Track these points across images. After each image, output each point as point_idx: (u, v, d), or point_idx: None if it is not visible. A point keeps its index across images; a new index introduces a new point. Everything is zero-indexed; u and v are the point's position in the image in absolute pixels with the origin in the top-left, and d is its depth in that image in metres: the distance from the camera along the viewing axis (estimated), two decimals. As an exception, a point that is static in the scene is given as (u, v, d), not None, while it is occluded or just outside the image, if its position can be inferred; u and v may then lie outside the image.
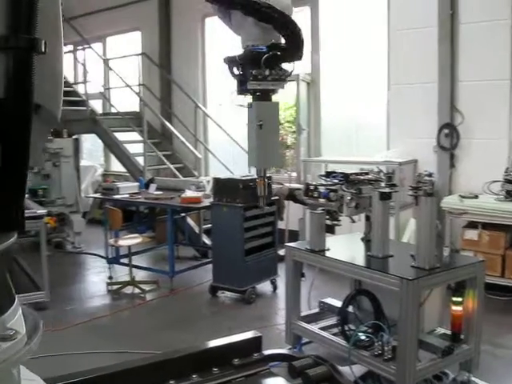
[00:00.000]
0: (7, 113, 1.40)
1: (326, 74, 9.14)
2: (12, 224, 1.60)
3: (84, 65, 11.65)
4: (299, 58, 2.82)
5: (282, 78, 2.82)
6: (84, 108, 10.73)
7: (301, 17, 8.97)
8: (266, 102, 2.89)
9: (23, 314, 1.69)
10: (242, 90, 2.86)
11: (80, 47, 12.03)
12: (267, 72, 2.79)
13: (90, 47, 11.60)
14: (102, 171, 12.31)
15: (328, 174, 5.01)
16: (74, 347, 5.39)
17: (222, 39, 10.29)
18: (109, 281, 7.59)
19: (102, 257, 8.57)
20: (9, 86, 1.34)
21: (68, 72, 12.77)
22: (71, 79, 12.51)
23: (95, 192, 10.53)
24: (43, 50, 1.37)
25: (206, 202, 7.23)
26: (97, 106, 12.00)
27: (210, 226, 7.82)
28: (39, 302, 6.48)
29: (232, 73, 2.87)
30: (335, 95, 9.18)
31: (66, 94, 11.52)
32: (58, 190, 9.39)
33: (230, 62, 2.85)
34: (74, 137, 9.99)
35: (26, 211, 6.63)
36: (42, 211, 6.54)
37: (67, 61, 12.93)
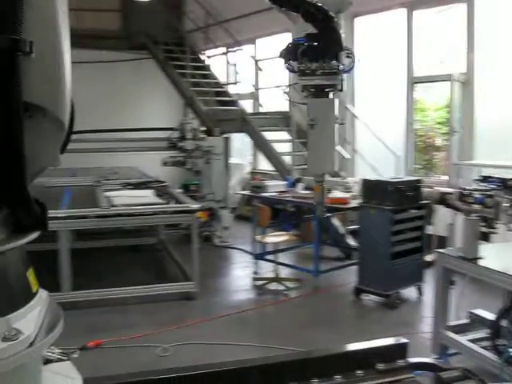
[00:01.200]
0: (4, 119, 1.33)
1: (482, 73, 8.68)
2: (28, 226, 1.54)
3: (235, 66, 12.04)
4: (337, 51, 2.66)
5: (333, 71, 2.64)
6: (235, 108, 11.07)
7: (455, 14, 8.63)
8: (320, 98, 2.70)
9: (49, 311, 1.61)
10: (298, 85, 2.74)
11: (232, 49, 12.44)
12: (313, 66, 2.63)
13: (241, 49, 11.95)
14: (250, 169, 12.66)
15: (484, 179, 4.77)
16: (219, 338, 5.59)
17: (374, 39, 10.18)
18: (254, 276, 7.78)
19: (248, 252, 8.81)
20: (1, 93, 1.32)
21: (220, 73, 13.27)
22: (223, 80, 12.99)
23: (243, 189, 10.84)
24: (29, 50, 1.34)
25: (354, 203, 7.17)
26: (247, 105, 12.33)
27: (355, 227, 7.74)
28: (188, 292, 6.81)
29: (288, 67, 2.76)
30: (492, 95, 8.69)
31: (218, 94, 11.99)
32: (209, 186, 9.80)
33: (284, 55, 2.75)
34: (224, 135, 10.35)
35: (180, 205, 7.02)
36: (195, 206, 6.85)
37: (220, 62, 13.45)
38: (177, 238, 9.64)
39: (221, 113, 11.06)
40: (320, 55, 2.66)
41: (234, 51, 12.38)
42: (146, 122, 12.66)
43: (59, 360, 1.94)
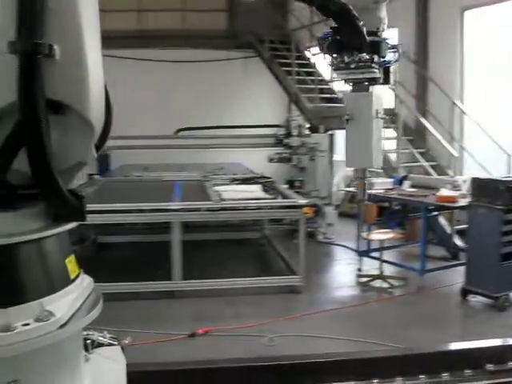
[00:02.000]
0: (22, 115, 1.53)
1: None
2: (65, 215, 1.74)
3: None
4: (360, 43, 2.55)
5: (367, 65, 2.54)
6: (340, 105, 11.08)
7: None
8: (358, 92, 2.61)
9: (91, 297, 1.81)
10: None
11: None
12: (346, 59, 2.54)
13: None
14: (354, 166, 12.60)
15: None
16: (323, 331, 5.68)
17: (483, 33, 9.87)
18: (358, 273, 7.81)
19: (351, 249, 8.83)
20: (19, 88, 1.49)
21: (325, 70, 13.31)
22: (328, 77, 13.02)
23: (347, 186, 10.86)
24: (51, 53, 1.52)
25: (462, 202, 7.03)
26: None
27: (462, 226, 7.58)
28: (294, 286, 6.95)
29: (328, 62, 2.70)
30: None
31: (323, 91, 12.03)
32: (313, 183, 9.90)
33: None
34: (329, 132, 10.40)
35: (288, 200, 7.18)
36: (302, 201, 6.98)
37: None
38: (280, 233, 9.83)
39: (326, 110, 11.12)
40: (344, 48, 2.62)
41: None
42: (251, 119, 12.95)
43: (110, 344, 2.19)
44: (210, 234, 9.27)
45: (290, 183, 10.77)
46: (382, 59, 2.58)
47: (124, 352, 2.25)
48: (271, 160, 10.34)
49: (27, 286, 1.61)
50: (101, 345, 2.16)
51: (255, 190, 7.66)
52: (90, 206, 6.65)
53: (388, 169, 9.73)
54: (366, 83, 2.61)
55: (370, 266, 7.85)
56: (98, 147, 1.85)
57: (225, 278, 6.91)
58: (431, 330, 5.75)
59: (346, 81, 2.64)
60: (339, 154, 12.44)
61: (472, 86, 10.39)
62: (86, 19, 1.61)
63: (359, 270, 7.90)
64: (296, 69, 12.36)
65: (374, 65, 2.58)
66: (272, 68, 13.34)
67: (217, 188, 7.77)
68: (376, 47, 2.58)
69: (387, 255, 8.02)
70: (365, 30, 2.57)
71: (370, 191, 7.95)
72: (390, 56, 2.63)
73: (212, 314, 6.26)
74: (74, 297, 1.72)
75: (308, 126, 10.78)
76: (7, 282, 1.58)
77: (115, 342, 2.23)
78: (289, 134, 10.12)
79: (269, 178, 8.93)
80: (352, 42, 2.60)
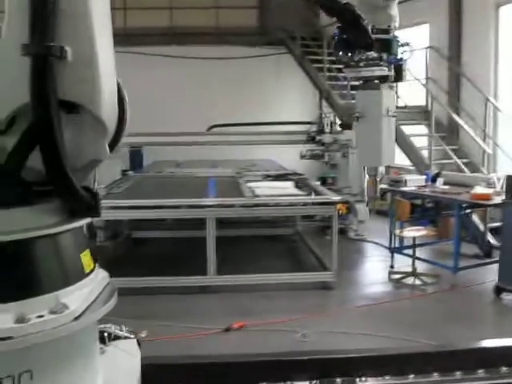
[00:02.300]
0: (35, 115, 1.60)
1: None
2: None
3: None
4: (366, 41, 2.53)
5: (375, 63, 2.52)
6: (371, 101, 11.06)
7: None
8: (367, 90, 2.59)
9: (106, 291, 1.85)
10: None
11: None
12: (355, 57, 2.53)
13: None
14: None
15: None
16: (356, 327, 5.72)
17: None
18: (390, 269, 7.82)
19: (383, 246, 8.84)
20: (32, 89, 1.56)
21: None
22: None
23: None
24: (62, 55, 1.59)
25: (497, 200, 6.99)
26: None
27: (496, 224, 7.54)
28: (326, 282, 7.01)
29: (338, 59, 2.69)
30: None
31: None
32: (345, 180, 9.92)
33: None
34: (361, 129, 10.39)
35: (322, 197, 7.22)
36: (336, 198, 7.02)
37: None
38: (311, 230, 9.89)
39: (357, 106, 11.12)
40: (351, 47, 2.62)
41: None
42: (283, 115, 13.01)
43: (126, 338, 2.26)
44: (243, 230, 9.36)
45: (322, 180, 10.81)
46: (393, 57, 2.57)
47: (140, 345, 2.32)
48: (303, 157, 10.39)
49: (42, 279, 1.66)
50: (118, 338, 2.24)
51: (288, 187, 7.72)
52: (124, 202, 6.82)
53: (420, 166, 9.70)
54: (377, 81, 2.61)
55: (402, 263, 7.85)
56: (113, 145, 1.91)
57: (258, 274, 6.99)
58: (464, 327, 5.75)
59: (357, 79, 2.66)
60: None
61: (506, 81, 10.28)
62: (97, 20, 1.67)
63: (391, 266, 7.92)
64: (327, 65, 12.38)
65: (382, 63, 2.57)
66: (303, 65, 13.37)
67: (250, 184, 7.85)
68: (385, 45, 2.58)
69: (419, 252, 8.01)
70: (370, 28, 2.57)
71: (403, 188, 8.07)
72: (403, 54, 2.62)
73: (245, 308, 6.34)
74: (89, 290, 1.77)
75: (340, 122, 10.79)
76: (22, 275, 1.63)
77: (132, 336, 2.29)
78: (321, 131, 10.16)
79: (301, 174, 8.99)
80: (357, 41, 2.62)
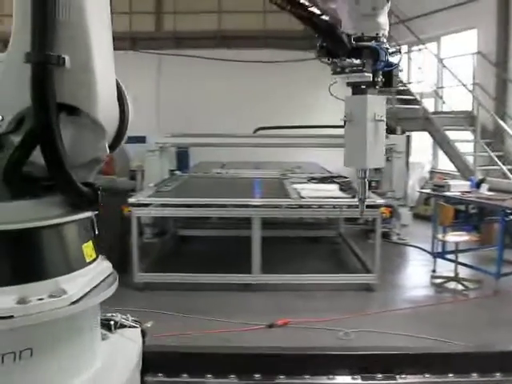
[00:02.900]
0: (36, 117, 1.78)
1: None
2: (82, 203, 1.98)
3: (418, 64, 12.04)
4: (344, 50, 2.60)
5: (358, 69, 2.58)
6: (417, 106, 11.11)
7: None
8: (354, 96, 2.67)
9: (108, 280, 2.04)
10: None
11: (415, 48, 12.43)
12: (339, 64, 2.61)
13: (425, 47, 11.91)
14: (430, 168, 12.59)
15: None
16: (397, 329, 5.79)
17: None
18: (432, 274, 7.87)
19: (426, 251, 8.88)
20: (32, 93, 1.73)
21: (403, 72, 13.29)
22: (405, 78, 13.02)
23: (422, 188, 10.87)
24: (59, 63, 1.75)
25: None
26: (430, 104, 12.27)
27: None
28: (368, 284, 7.11)
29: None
30: None
31: (400, 92, 12.05)
32: (389, 184, 9.98)
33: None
34: (406, 134, 10.45)
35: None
36: (379, 201, 7.12)
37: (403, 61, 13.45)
38: (354, 233, 9.98)
39: (402, 111, 11.17)
40: (332, 54, 2.70)
41: (418, 50, 12.38)
42: (328, 118, 13.09)
43: (131, 327, 2.44)
44: (286, 231, 9.53)
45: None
46: (380, 63, 2.66)
47: (146, 334, 2.50)
48: (347, 160, 10.46)
49: (44, 265, 1.84)
50: (123, 326, 2.41)
51: (333, 189, 7.85)
52: (174, 200, 7.09)
53: (465, 171, 9.70)
54: (363, 87, 2.71)
55: (445, 268, 7.87)
56: (115, 145, 2.10)
57: (301, 274, 7.14)
58: (506, 332, 5.78)
59: (347, 84, 2.78)
60: (415, 156, 12.46)
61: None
62: (93, 29, 1.83)
63: (433, 271, 7.95)
64: (373, 70, 12.41)
65: (366, 69, 2.66)
66: (349, 68, 13.43)
67: (295, 186, 8.01)
68: (372, 52, 2.68)
69: (462, 258, 8.03)
70: (346, 36, 2.65)
71: (447, 193, 8.09)
72: (394, 60, 2.71)
73: (288, 307, 6.50)
74: (89, 278, 1.95)
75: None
76: (25, 261, 1.82)
77: (137, 325, 2.47)
78: (365, 135, 10.21)
79: (346, 177, 9.10)
80: (334, 49, 2.69)
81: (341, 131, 9.65)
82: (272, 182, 9.05)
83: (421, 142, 13.01)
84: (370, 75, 2.60)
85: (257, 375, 2.53)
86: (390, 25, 9.20)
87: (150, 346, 2.48)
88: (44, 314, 1.75)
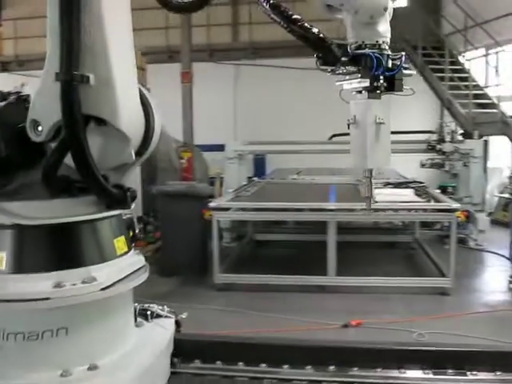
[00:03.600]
0: (66, 129, 2.05)
1: None
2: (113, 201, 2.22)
3: (496, 68, 11.85)
4: (335, 60, 2.68)
5: (355, 76, 2.67)
6: (495, 110, 10.94)
7: None
8: (358, 100, 2.74)
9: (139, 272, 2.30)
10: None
11: (492, 50, 12.25)
12: (337, 71, 2.70)
13: (503, 50, 11.73)
14: (509, 173, 12.32)
15: None
16: (473, 332, 5.74)
17: None
18: (510, 279, 7.77)
19: (504, 256, 8.78)
20: (62, 108, 2.00)
21: (480, 75, 13.09)
22: (482, 82, 12.84)
23: (500, 193, 10.70)
24: (84, 80, 2.02)
25: None
26: (507, 108, 12.03)
27: None
28: (444, 288, 7.15)
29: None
30: None
31: (477, 96, 11.90)
32: (466, 189, 9.90)
33: None
34: (483, 138, 10.33)
35: (440, 204, 7.35)
36: (455, 205, 7.14)
37: (480, 64, 13.27)
38: (430, 239, 9.95)
39: (480, 116, 11.03)
40: (327, 63, 2.78)
41: (495, 52, 12.20)
42: (402, 124, 13.06)
43: (167, 317, 2.68)
44: (362, 236, 9.66)
45: (442, 189, 10.78)
46: (378, 69, 2.78)
47: (181, 324, 2.75)
48: (423, 165, 10.46)
49: (78, 255, 2.14)
50: (159, 316, 2.67)
51: (408, 194, 7.92)
52: (252, 204, 7.40)
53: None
54: (363, 92, 2.77)
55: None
56: (142, 151, 2.33)
57: (376, 276, 7.26)
58: None
59: (352, 90, 2.92)
60: (494, 161, 12.23)
61: None
62: (115, 50, 2.10)
63: (511, 276, 7.87)
64: (449, 74, 12.32)
65: (362, 75, 2.72)
66: (424, 74, 13.36)
67: (371, 191, 8.09)
68: (364, 59, 2.72)
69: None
70: (336, 46, 2.72)
71: None
72: (394, 65, 2.83)
73: (363, 308, 6.63)
74: (119, 268, 2.22)
75: (461, 131, 10.77)
76: (62, 251, 2.13)
77: (171, 316, 2.71)
78: (441, 140, 10.17)
79: (421, 182, 9.12)
80: (326, 59, 2.78)
81: (414, 136, 9.72)
82: (347, 188, 9.20)
83: (500, 146, 12.79)
84: (368, 81, 2.73)
85: (331, 367, 2.67)
86: (466, 28, 9.23)
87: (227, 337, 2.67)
88: (76, 298, 2.04)
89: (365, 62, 2.68)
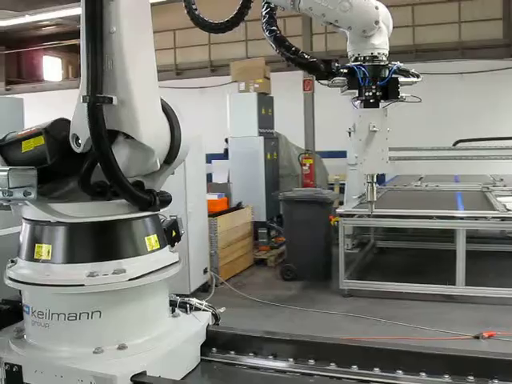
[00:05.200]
0: (94, 144, 2.36)
1: None
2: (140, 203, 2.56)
3: None
4: (322, 76, 2.85)
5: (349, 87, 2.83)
6: None
7: None
8: (356, 109, 2.87)
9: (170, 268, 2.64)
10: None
11: None
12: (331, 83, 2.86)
13: None
14: None
15: None
16: None
17: None
18: None
19: None
20: (90, 126, 2.29)
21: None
22: None
23: None
24: (106, 101, 2.31)
25: None
26: None
27: None
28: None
29: None
30: None
31: None
32: None
33: None
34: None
35: None
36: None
37: None
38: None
39: None
40: (322, 77, 2.91)
41: None
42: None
43: (205, 310, 2.95)
44: (489, 245, 9.36)
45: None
46: (366, 80, 2.80)
47: (219, 317, 3.01)
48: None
49: (111, 249, 2.50)
50: (198, 309, 2.94)
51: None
52: (378, 211, 7.39)
53: None
54: (358, 101, 2.88)
55: None
56: (170, 159, 2.61)
57: (508, 288, 7.00)
58: None
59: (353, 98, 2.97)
60: None
61: None
62: (135, 72, 2.40)
63: None
64: None
65: (352, 86, 2.86)
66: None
67: (501, 199, 7.84)
68: (352, 72, 2.85)
69: None
70: (322, 62, 2.89)
71: None
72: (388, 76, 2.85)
73: (495, 320, 6.39)
74: (148, 263, 2.56)
75: None
76: (97, 245, 2.49)
77: (209, 310, 2.97)
78: None
79: (556, 191, 8.71)
80: (317, 76, 2.97)
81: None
82: (474, 195, 8.94)
83: None
84: (356, 91, 2.86)
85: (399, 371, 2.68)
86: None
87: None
88: (106, 286, 2.40)
89: (352, 74, 2.85)
